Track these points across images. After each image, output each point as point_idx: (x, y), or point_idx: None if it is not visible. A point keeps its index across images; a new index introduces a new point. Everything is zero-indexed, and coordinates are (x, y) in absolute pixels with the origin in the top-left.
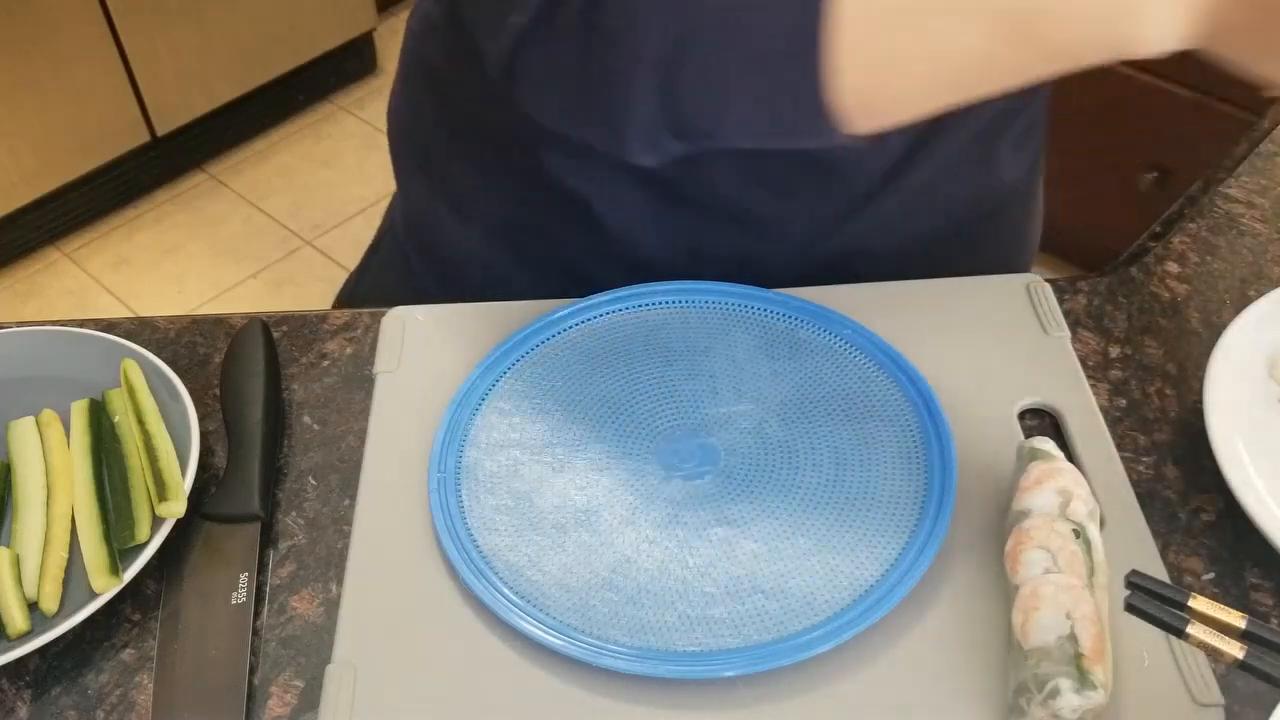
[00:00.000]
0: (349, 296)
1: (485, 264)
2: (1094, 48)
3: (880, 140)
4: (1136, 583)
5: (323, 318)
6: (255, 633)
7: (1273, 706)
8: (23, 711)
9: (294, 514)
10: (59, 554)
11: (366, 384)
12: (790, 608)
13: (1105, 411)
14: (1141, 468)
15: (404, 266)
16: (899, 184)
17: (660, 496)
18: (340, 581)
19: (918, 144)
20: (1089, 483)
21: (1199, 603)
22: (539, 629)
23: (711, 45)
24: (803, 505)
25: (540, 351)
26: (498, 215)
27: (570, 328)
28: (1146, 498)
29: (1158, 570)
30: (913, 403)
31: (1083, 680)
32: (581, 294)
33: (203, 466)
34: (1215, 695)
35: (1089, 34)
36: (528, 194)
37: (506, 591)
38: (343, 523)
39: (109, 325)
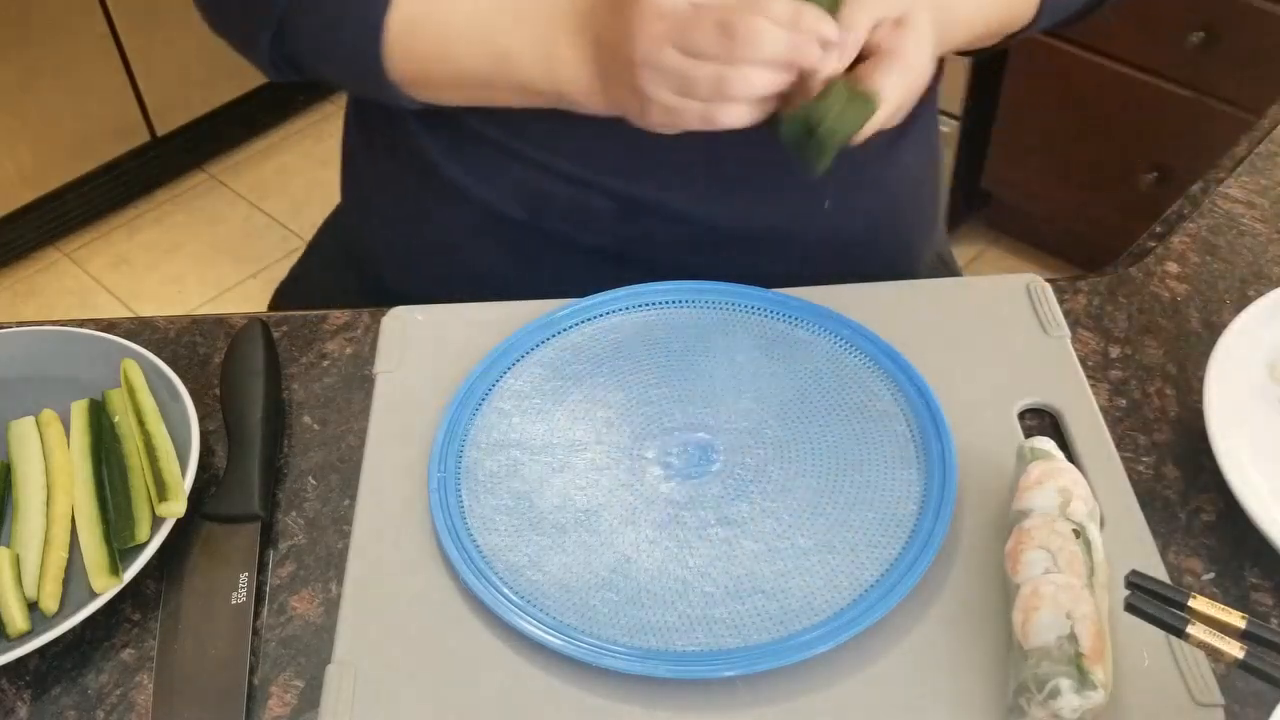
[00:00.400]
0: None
1: (397, 263)
2: (543, 97)
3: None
4: (1136, 583)
5: (323, 318)
6: (255, 633)
7: (1273, 706)
8: (23, 711)
9: (294, 514)
10: (59, 554)
11: (366, 384)
12: (790, 608)
13: (1105, 411)
14: (1141, 468)
15: (333, 271)
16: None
17: (660, 496)
18: (340, 581)
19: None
20: (1089, 483)
21: (1199, 603)
22: (539, 629)
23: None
24: (802, 505)
25: (540, 352)
26: (395, 209)
27: (570, 328)
28: (1146, 498)
29: (1158, 570)
30: (913, 403)
31: (1083, 680)
32: (483, 297)
33: (203, 466)
34: (1215, 695)
35: (538, 86)
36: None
37: (506, 591)
38: (343, 523)
39: (109, 325)
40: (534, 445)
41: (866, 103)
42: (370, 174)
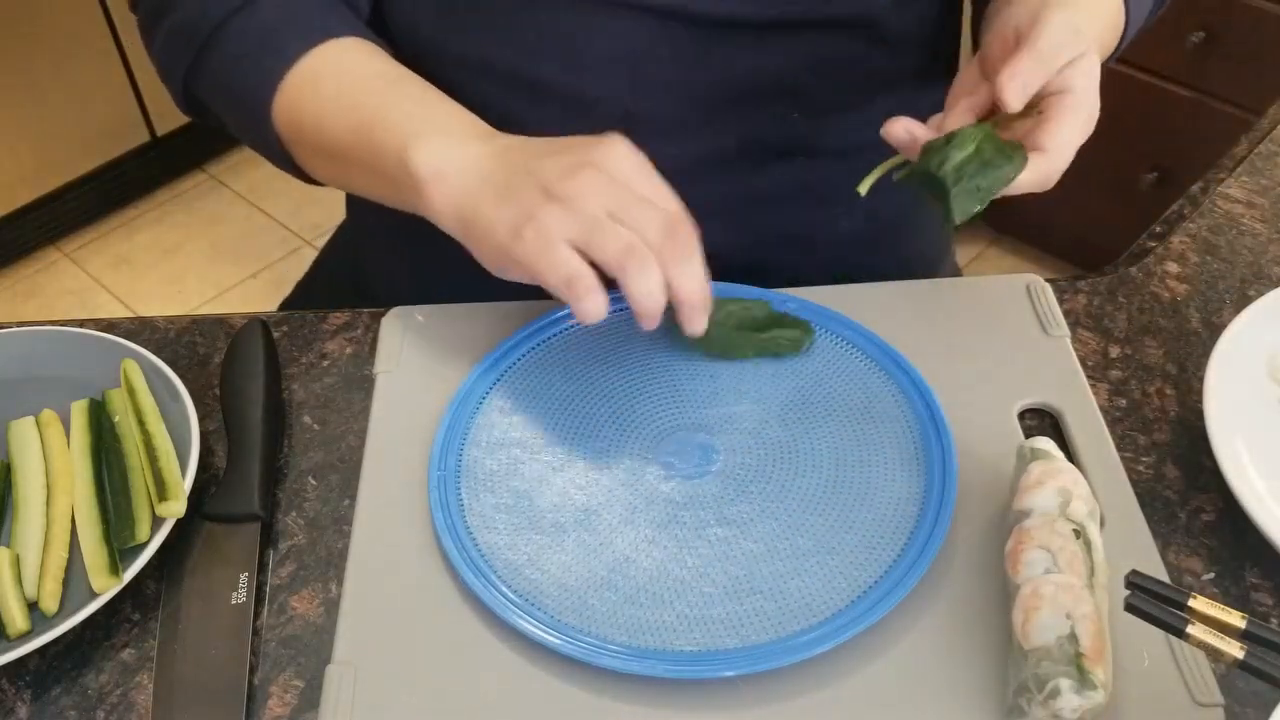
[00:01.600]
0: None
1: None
2: (394, 173)
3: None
4: (1136, 583)
5: (323, 318)
6: (255, 633)
7: (1273, 706)
8: (23, 711)
9: (294, 514)
10: (59, 554)
11: (366, 384)
12: (789, 608)
13: (1105, 411)
14: (1141, 468)
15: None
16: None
17: (659, 496)
18: (340, 581)
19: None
20: (1089, 483)
21: (1199, 603)
22: (538, 628)
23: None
24: (802, 505)
25: (540, 351)
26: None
27: (570, 328)
28: (1146, 498)
29: (1158, 570)
30: (912, 403)
31: (1083, 680)
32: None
33: (203, 466)
34: (1215, 695)
35: (392, 162)
36: None
37: (505, 590)
38: (343, 523)
39: (109, 325)
40: (534, 444)
41: (1009, 157)
42: (372, 217)
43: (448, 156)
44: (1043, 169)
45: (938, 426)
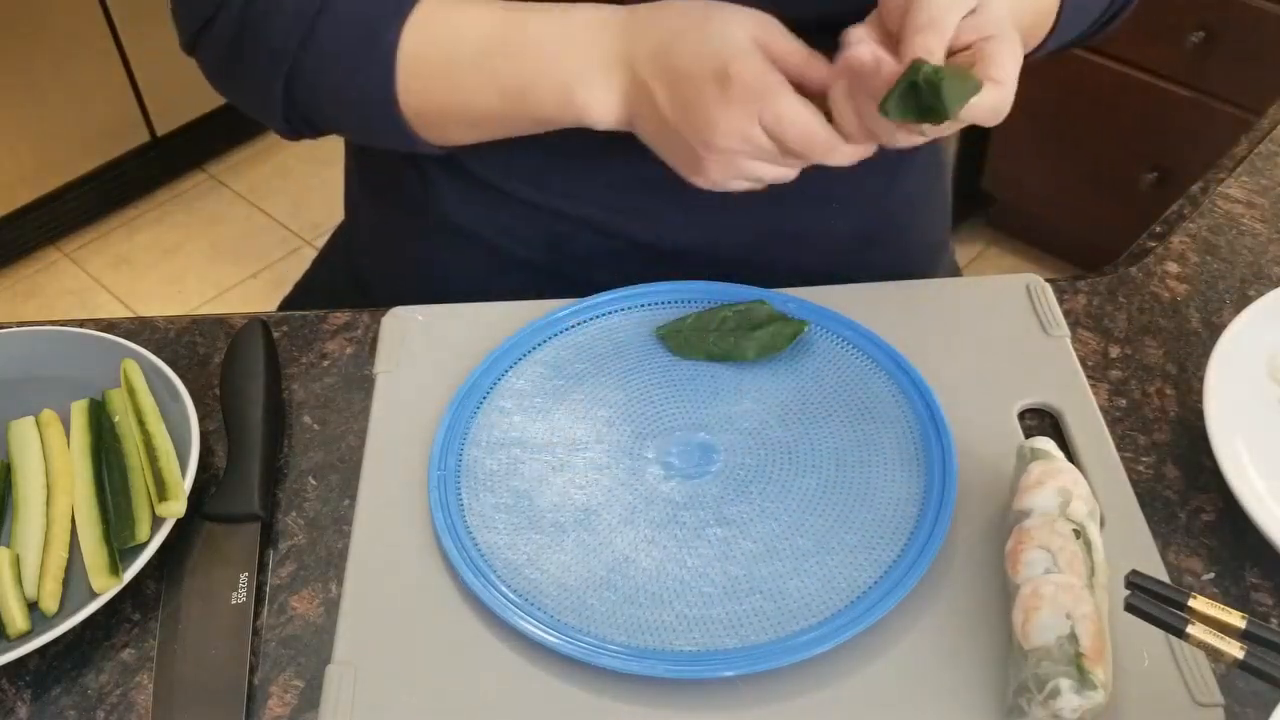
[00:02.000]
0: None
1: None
2: (562, 120)
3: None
4: (1136, 583)
5: (322, 318)
6: (255, 633)
7: (1273, 706)
8: (23, 711)
9: (294, 514)
10: (59, 554)
11: (366, 384)
12: (788, 608)
13: (1105, 411)
14: (1141, 468)
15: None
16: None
17: (659, 496)
18: (340, 581)
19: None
20: (1089, 483)
21: (1199, 603)
22: (537, 628)
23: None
24: (802, 506)
25: (541, 351)
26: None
27: (570, 328)
28: (1146, 498)
29: (1158, 570)
30: (913, 403)
31: (1083, 680)
32: None
33: (203, 466)
34: (1215, 695)
35: (556, 113)
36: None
37: (505, 590)
38: (343, 523)
39: (109, 325)
40: (534, 444)
41: (967, 78)
42: (375, 224)
43: (612, 99)
44: (995, 97)
45: (938, 426)
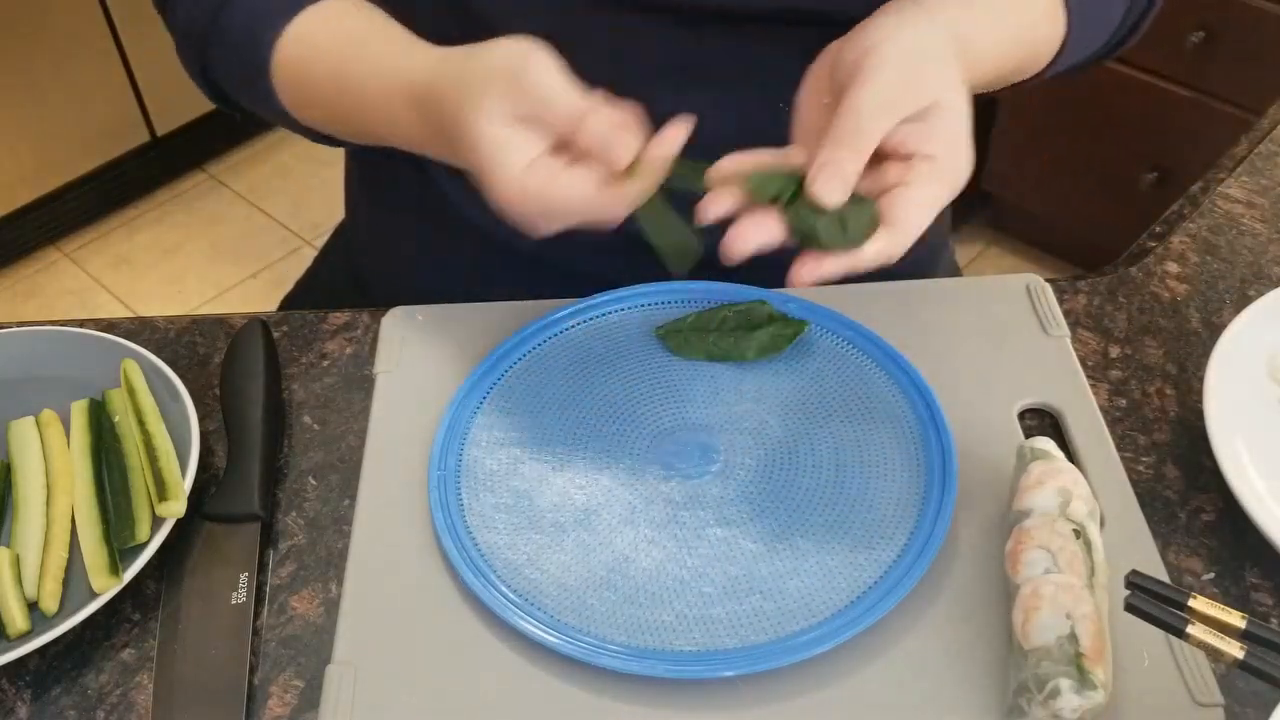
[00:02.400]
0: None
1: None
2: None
3: None
4: (1136, 583)
5: (323, 318)
6: (255, 633)
7: (1273, 706)
8: (23, 711)
9: (294, 514)
10: (59, 554)
11: (366, 384)
12: (788, 608)
13: (1105, 411)
14: (1141, 468)
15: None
16: None
17: (659, 496)
18: (340, 581)
19: None
20: (1089, 483)
21: (1199, 603)
22: (537, 628)
23: None
24: (802, 506)
25: (541, 351)
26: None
27: (570, 328)
28: (1146, 498)
29: (1158, 570)
30: (913, 403)
31: (1083, 680)
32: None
33: (203, 466)
34: (1215, 695)
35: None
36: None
37: (505, 590)
38: (343, 523)
39: (109, 325)
40: (534, 444)
41: (863, 211)
42: (373, 221)
43: (412, 138)
44: (884, 246)
45: (938, 426)
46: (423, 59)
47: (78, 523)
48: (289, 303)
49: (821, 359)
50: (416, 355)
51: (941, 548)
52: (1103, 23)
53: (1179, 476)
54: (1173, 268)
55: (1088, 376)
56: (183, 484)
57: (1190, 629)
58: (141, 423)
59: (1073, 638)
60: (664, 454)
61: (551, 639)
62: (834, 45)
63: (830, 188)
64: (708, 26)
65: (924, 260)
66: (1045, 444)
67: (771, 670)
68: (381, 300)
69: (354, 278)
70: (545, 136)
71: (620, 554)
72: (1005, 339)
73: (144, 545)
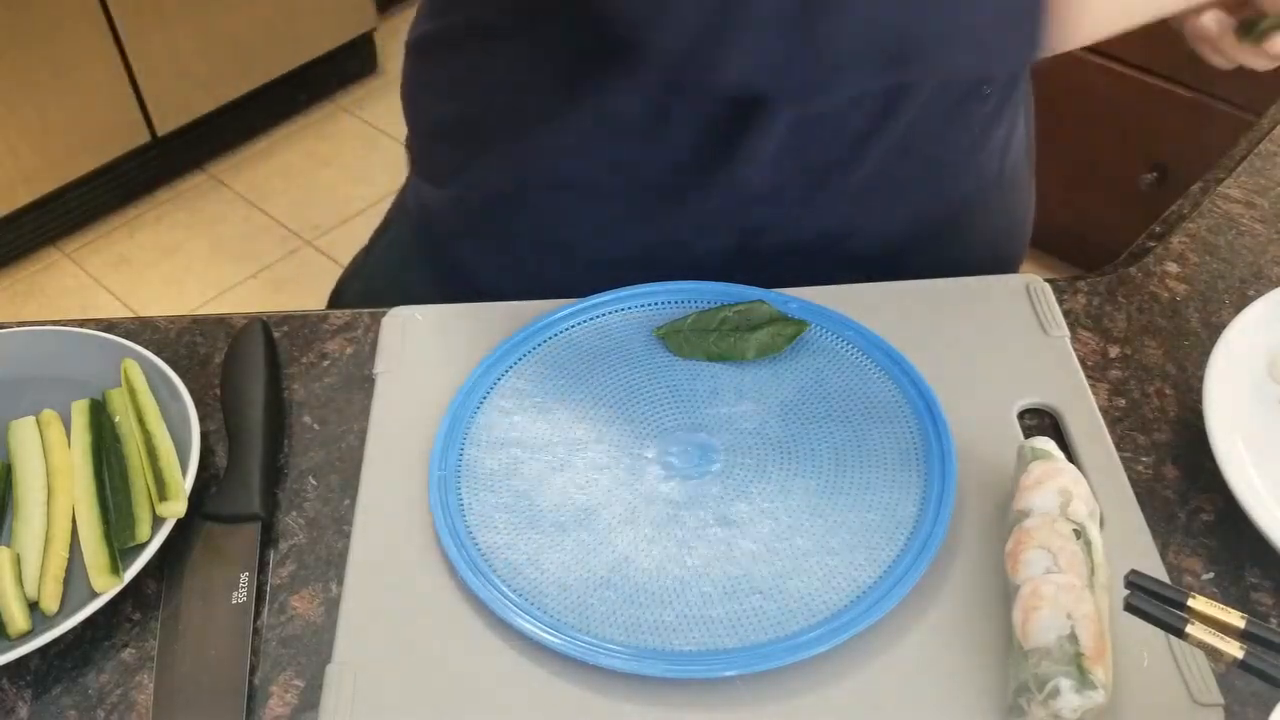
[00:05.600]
0: (349, 284)
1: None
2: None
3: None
4: (1136, 582)
5: (323, 318)
6: (255, 632)
7: (1273, 706)
8: (23, 711)
9: (294, 514)
10: (59, 554)
11: (366, 384)
12: (788, 608)
13: (1105, 411)
14: (1141, 468)
15: (406, 259)
16: (881, 137)
17: (659, 496)
18: (340, 581)
19: (891, 99)
20: (1089, 483)
21: (1199, 603)
22: (537, 627)
23: None
24: (802, 505)
25: (541, 350)
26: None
27: (570, 328)
28: (1146, 498)
29: (1157, 570)
30: (912, 403)
31: (1083, 680)
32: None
33: (203, 466)
34: (1215, 695)
35: None
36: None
37: (505, 589)
38: (343, 523)
39: (109, 325)
40: (534, 444)
41: None
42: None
43: None
44: None
45: (938, 427)
46: None
47: (78, 522)
48: (341, 289)
49: (822, 359)
50: (416, 355)
51: (942, 548)
52: None
53: (1179, 476)
54: (1172, 268)
55: (1087, 376)
56: (183, 484)
57: (1190, 629)
58: (142, 423)
59: (1073, 638)
60: (664, 454)
61: (551, 639)
62: None
63: None
64: None
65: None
66: (1045, 444)
67: (772, 670)
68: (464, 290)
69: (430, 264)
70: None
71: (620, 554)
72: (1005, 339)
73: (144, 545)
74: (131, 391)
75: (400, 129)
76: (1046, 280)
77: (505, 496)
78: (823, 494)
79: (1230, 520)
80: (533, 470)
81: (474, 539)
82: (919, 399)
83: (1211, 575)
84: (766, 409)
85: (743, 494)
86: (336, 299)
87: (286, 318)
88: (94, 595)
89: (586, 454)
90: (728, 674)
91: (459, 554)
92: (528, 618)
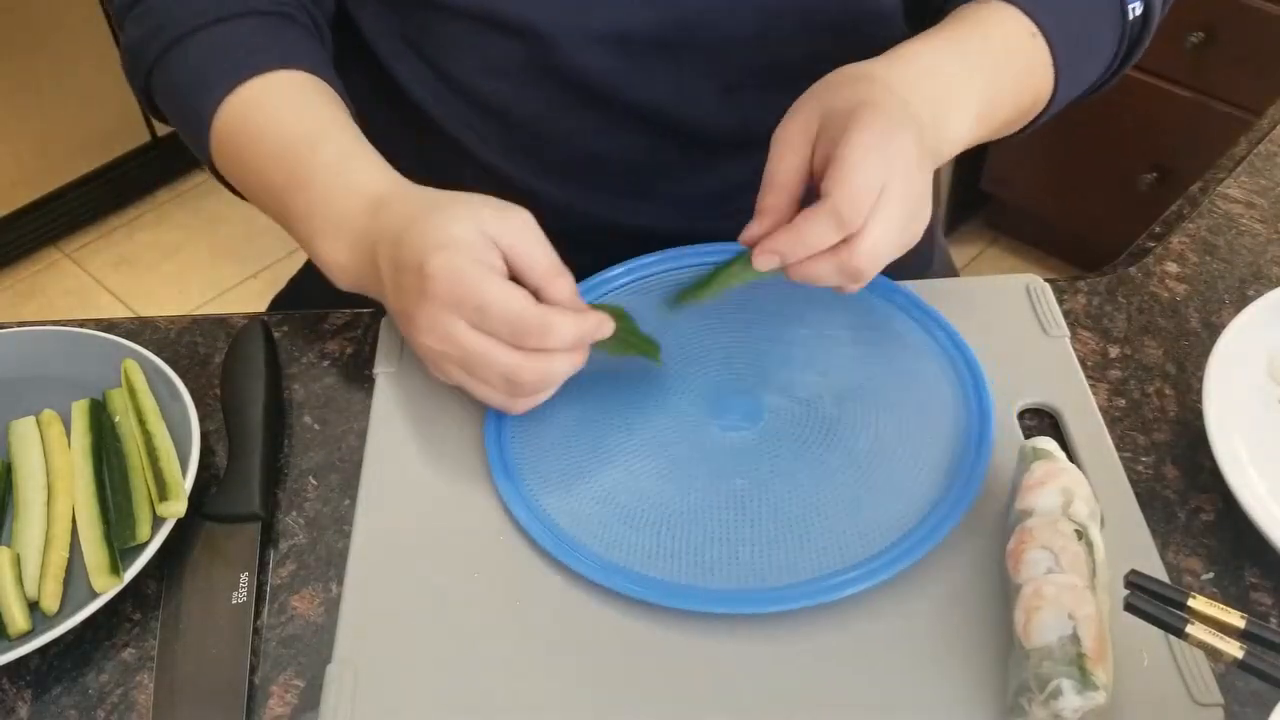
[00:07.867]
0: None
1: None
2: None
3: None
4: (1136, 582)
5: (323, 318)
6: (255, 632)
7: (1273, 706)
8: (23, 711)
9: (294, 514)
10: (60, 554)
11: (366, 384)
12: (814, 554)
13: (1105, 411)
14: (1141, 468)
15: None
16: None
17: (705, 442)
18: (340, 581)
19: None
20: (1089, 483)
21: (1199, 602)
22: (584, 563)
23: None
24: (836, 470)
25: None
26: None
27: (632, 281)
28: (1146, 498)
29: (1157, 570)
30: (967, 399)
31: (1084, 680)
32: None
33: (203, 466)
34: (1215, 695)
35: (305, 246)
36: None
37: (555, 521)
38: (343, 523)
39: (109, 325)
40: (583, 383)
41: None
42: None
43: (347, 267)
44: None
45: (983, 430)
46: (389, 174)
47: (78, 523)
48: (278, 303)
49: (908, 354)
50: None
51: (942, 548)
52: (1092, 58)
53: (1178, 476)
54: (1172, 268)
55: (1087, 376)
56: (183, 484)
57: (1190, 629)
58: (142, 423)
59: (1075, 638)
60: (710, 406)
61: (594, 574)
62: (816, 99)
63: (767, 262)
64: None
65: (914, 265)
66: (1047, 444)
67: (795, 611)
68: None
69: None
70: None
71: (657, 498)
72: (1005, 339)
73: (144, 545)
74: (131, 392)
75: None
76: (1046, 280)
77: (558, 433)
78: (858, 461)
79: (1230, 520)
80: (579, 413)
81: (522, 476)
82: (974, 396)
83: (1211, 575)
84: (828, 385)
85: (786, 449)
86: (337, 299)
87: (287, 317)
88: (94, 595)
89: (632, 398)
90: (755, 611)
91: (509, 487)
92: (579, 554)
